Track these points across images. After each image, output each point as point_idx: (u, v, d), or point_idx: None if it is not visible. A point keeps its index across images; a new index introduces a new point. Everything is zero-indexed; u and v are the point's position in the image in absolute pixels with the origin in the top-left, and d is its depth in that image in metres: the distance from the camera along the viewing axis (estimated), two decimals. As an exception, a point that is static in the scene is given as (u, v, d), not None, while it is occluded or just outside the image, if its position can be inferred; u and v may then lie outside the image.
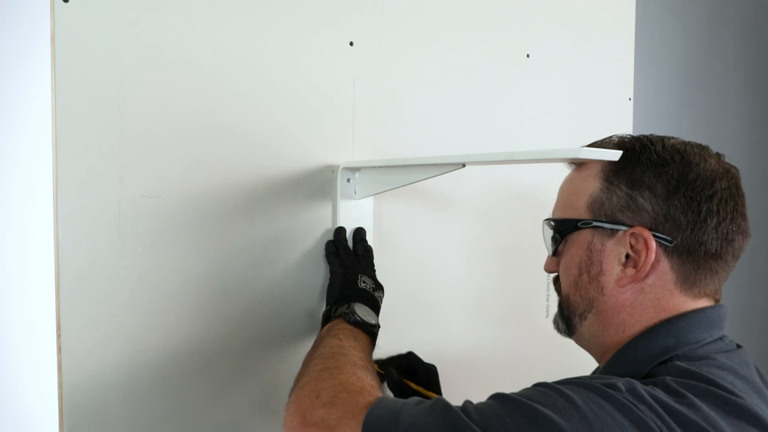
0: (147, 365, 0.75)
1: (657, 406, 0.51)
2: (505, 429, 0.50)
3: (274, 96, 0.84)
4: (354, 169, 0.89)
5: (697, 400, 0.52)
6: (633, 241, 0.61)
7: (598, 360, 0.69)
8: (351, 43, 0.92)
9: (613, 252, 0.63)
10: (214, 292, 0.80)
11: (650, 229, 0.61)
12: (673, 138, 0.65)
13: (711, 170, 0.61)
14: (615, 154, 0.62)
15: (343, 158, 0.91)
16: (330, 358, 0.68)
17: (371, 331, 0.79)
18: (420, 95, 1.00)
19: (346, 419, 0.57)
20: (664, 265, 0.61)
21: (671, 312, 0.61)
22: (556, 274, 0.70)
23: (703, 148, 0.64)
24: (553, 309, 0.71)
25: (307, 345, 0.77)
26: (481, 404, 0.55)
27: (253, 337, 0.84)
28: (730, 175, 0.62)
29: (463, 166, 0.72)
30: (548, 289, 1.20)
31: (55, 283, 0.69)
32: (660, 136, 0.65)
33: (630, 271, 0.62)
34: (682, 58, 1.71)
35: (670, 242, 0.60)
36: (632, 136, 0.66)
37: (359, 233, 0.90)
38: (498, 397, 0.55)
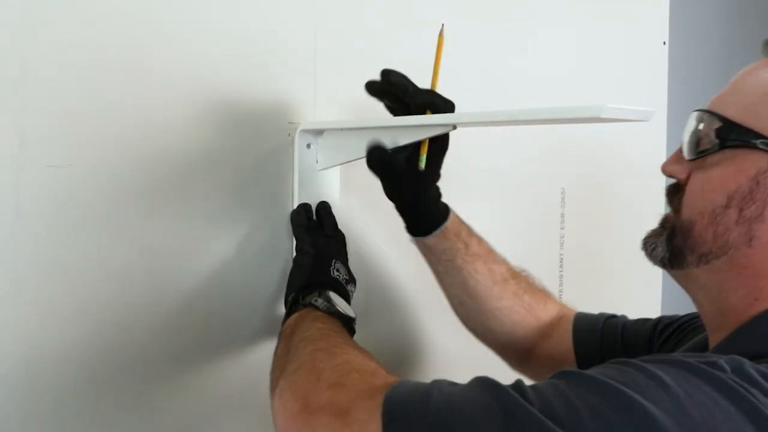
0: (51, 378, 0.67)
1: None
2: (573, 413, 0.43)
3: (213, 38, 0.75)
4: (316, 132, 0.80)
5: None
6: None
7: (706, 319, 0.60)
8: (313, -31, 0.82)
9: None
10: (138, 287, 0.72)
11: None
12: None
13: None
14: (648, 113, 0.55)
15: (301, 117, 0.82)
16: (320, 339, 0.62)
17: (350, 326, 0.71)
18: (402, 37, 0.90)
19: (361, 401, 0.50)
20: None
21: None
22: (675, 181, 0.61)
23: None
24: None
25: (258, 355, 0.71)
26: (539, 384, 0.47)
27: (189, 343, 0.76)
28: None
29: (454, 128, 0.66)
30: (561, 269, 1.11)
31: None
32: None
33: None
34: (727, -8, 1.59)
35: None
36: None
37: (325, 207, 0.80)
38: (561, 375, 0.48)
